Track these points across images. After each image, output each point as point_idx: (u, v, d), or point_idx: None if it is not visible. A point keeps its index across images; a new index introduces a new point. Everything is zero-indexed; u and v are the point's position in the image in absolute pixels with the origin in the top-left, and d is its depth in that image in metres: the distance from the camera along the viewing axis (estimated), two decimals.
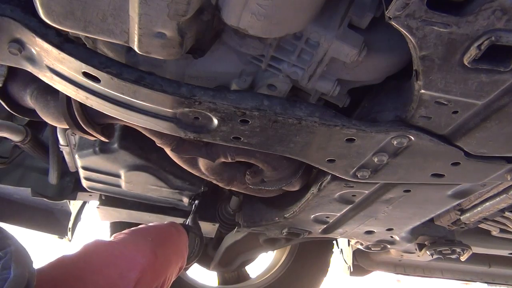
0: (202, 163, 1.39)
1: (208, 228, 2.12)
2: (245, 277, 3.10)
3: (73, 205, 2.33)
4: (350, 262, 2.57)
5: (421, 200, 1.39)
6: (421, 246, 1.87)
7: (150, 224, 1.47)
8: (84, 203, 2.37)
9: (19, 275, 0.72)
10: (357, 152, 1.07)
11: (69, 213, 2.34)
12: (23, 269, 0.74)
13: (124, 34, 0.80)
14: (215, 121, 1.01)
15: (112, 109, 1.04)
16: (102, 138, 1.27)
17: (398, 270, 2.60)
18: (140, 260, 1.14)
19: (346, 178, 1.21)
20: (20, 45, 0.93)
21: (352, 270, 2.59)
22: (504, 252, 2.21)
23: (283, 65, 0.98)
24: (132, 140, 1.54)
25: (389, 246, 1.96)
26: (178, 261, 1.42)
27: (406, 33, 0.72)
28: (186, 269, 2.31)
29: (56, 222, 2.34)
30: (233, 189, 1.54)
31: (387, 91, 1.05)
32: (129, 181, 1.68)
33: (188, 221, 1.73)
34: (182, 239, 1.49)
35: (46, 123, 1.40)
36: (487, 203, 1.45)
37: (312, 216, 1.62)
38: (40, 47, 0.91)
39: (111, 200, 2.03)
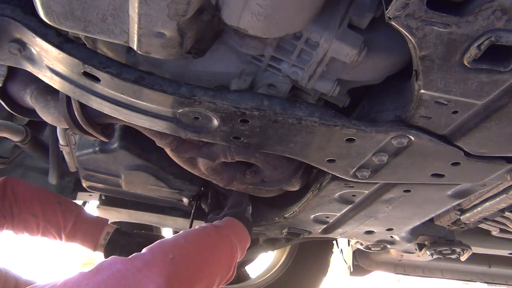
0: (202, 163, 1.39)
1: None
2: (245, 277, 3.10)
3: None
4: (350, 262, 2.57)
5: (421, 200, 1.39)
6: (421, 246, 1.87)
7: (184, 232, 1.28)
8: (84, 203, 2.37)
9: None
10: (357, 152, 1.07)
11: None
12: None
13: (124, 34, 0.80)
14: (215, 121, 1.01)
15: (112, 109, 1.04)
16: (102, 138, 1.27)
17: (398, 270, 2.60)
18: None
19: (346, 178, 1.21)
20: (20, 45, 0.93)
21: (352, 270, 2.59)
22: (504, 252, 2.21)
23: (283, 65, 0.98)
24: (132, 140, 1.53)
25: (389, 246, 1.96)
26: (214, 274, 1.21)
27: (406, 33, 0.72)
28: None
29: None
30: (233, 189, 1.54)
31: (387, 91, 1.05)
32: (129, 181, 1.68)
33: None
34: (225, 244, 1.30)
35: (46, 123, 1.40)
36: (487, 203, 1.45)
37: (312, 216, 1.62)
38: (40, 47, 0.91)
39: (111, 200, 2.03)
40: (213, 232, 1.30)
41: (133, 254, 1.10)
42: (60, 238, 1.62)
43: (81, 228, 1.64)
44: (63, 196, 1.76)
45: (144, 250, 1.13)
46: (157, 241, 1.19)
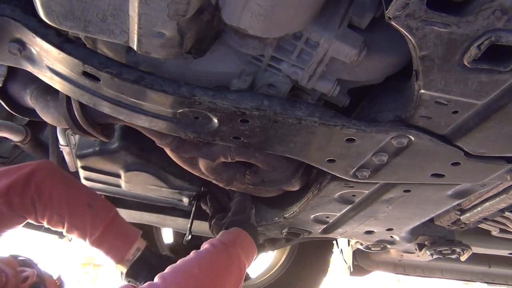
0: (202, 163, 1.39)
1: (207, 228, 2.12)
2: (245, 277, 3.09)
3: None
4: (350, 262, 2.57)
5: (421, 200, 1.39)
6: (421, 246, 1.87)
7: (197, 258, 1.28)
8: None
9: None
10: (357, 152, 1.07)
11: None
12: None
13: (124, 34, 0.80)
14: (215, 121, 1.01)
15: (112, 109, 1.04)
16: (102, 138, 1.27)
17: (398, 270, 2.60)
18: None
19: (346, 178, 1.21)
20: (20, 45, 0.93)
21: (352, 270, 2.59)
22: (504, 252, 2.21)
23: (283, 65, 0.98)
24: (132, 140, 1.53)
25: (389, 246, 1.96)
26: None
27: (406, 33, 0.72)
28: None
29: None
30: (233, 189, 1.54)
31: (387, 91, 1.05)
32: (129, 181, 1.68)
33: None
34: (235, 266, 1.34)
35: (46, 123, 1.40)
36: (487, 203, 1.45)
37: (312, 216, 1.62)
38: (40, 47, 0.91)
39: (111, 200, 2.02)
40: (224, 254, 1.32)
41: (145, 284, 1.10)
42: (84, 241, 1.50)
43: (108, 240, 1.50)
44: (99, 195, 1.61)
45: (156, 279, 1.13)
46: (169, 268, 1.19)
